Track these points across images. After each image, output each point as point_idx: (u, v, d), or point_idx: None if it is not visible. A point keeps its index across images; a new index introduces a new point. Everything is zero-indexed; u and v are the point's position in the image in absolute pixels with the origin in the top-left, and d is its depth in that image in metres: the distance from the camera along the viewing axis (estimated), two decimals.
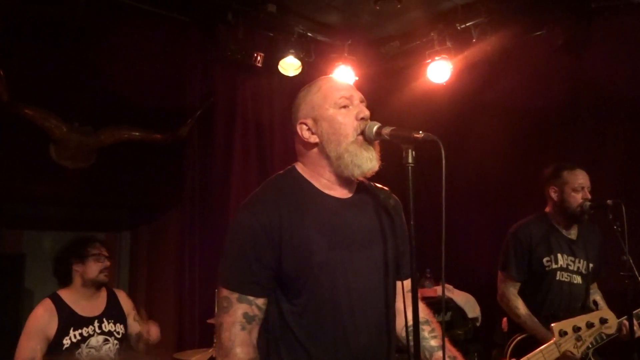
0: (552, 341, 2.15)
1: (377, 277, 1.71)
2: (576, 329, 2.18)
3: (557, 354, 2.15)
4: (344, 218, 1.69)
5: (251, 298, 1.61)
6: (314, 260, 1.60)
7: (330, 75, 1.87)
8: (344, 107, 1.71)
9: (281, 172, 1.81)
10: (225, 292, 1.63)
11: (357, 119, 1.70)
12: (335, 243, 1.64)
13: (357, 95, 1.75)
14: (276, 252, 1.60)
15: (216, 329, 1.65)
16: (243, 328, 1.59)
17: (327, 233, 1.64)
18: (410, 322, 1.60)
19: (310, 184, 1.73)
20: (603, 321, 2.23)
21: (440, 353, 1.76)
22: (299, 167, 1.78)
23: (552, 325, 2.18)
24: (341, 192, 1.74)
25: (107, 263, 3.05)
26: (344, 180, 1.74)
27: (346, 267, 1.64)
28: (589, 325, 2.21)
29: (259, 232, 1.60)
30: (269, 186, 1.75)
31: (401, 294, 1.76)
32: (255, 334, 1.62)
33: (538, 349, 2.13)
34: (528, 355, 2.11)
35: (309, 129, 1.72)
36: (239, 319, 1.59)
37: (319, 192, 1.72)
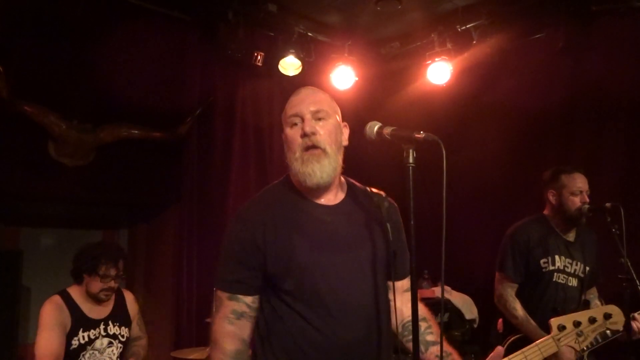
0: (550, 335, 2.11)
1: (362, 278, 1.77)
2: (576, 324, 2.11)
3: (555, 349, 2.08)
4: (328, 223, 1.78)
5: (239, 296, 1.76)
6: (294, 262, 1.70)
7: (300, 88, 1.90)
8: (294, 124, 1.79)
9: (277, 180, 1.93)
10: (218, 293, 1.79)
11: (300, 137, 1.76)
12: (316, 246, 1.73)
13: (309, 110, 1.78)
14: (261, 257, 1.73)
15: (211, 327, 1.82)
16: (231, 323, 1.74)
17: (310, 237, 1.74)
18: (409, 320, 1.64)
19: (299, 192, 1.83)
20: (607, 316, 2.15)
21: (434, 348, 1.82)
22: (291, 175, 1.85)
23: (551, 320, 2.11)
24: (327, 199, 1.83)
25: (112, 284, 2.97)
26: (322, 188, 1.79)
27: (328, 269, 1.72)
28: (592, 320, 2.13)
29: (244, 239, 1.75)
30: (261, 196, 1.89)
31: (399, 294, 1.82)
32: (246, 330, 1.76)
33: (534, 343, 2.08)
34: (523, 349, 2.07)
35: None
36: (227, 314, 1.75)
37: (305, 199, 1.82)
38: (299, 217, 1.77)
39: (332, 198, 1.83)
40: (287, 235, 1.73)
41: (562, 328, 2.09)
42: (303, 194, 1.82)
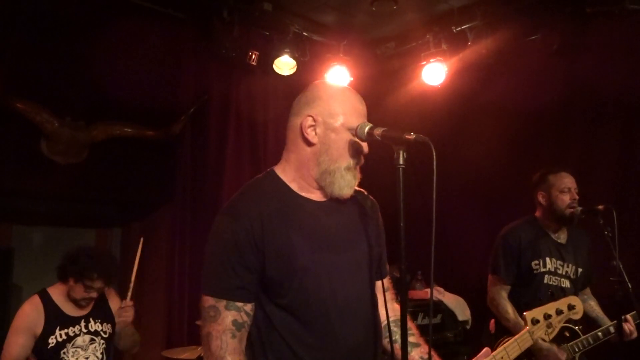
0: (525, 330, 2.18)
1: (360, 278, 1.72)
2: (547, 317, 2.22)
3: (530, 342, 2.17)
4: (323, 221, 1.70)
5: (240, 304, 1.59)
6: (297, 263, 1.60)
7: (347, 88, 1.84)
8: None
9: (260, 175, 1.81)
10: (211, 301, 1.60)
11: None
12: (317, 246, 1.65)
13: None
14: (260, 257, 1.60)
15: (203, 338, 1.61)
16: (233, 336, 1.57)
17: (309, 236, 1.65)
18: (396, 318, 1.66)
19: (289, 188, 1.73)
20: (571, 307, 2.30)
21: (414, 352, 1.81)
22: (278, 171, 1.78)
23: (525, 313, 2.22)
24: (318, 195, 1.75)
25: (94, 295, 2.95)
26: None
27: (330, 270, 1.65)
28: (559, 312, 2.26)
29: (242, 237, 1.59)
30: (248, 190, 1.74)
31: (380, 294, 1.80)
32: (244, 342, 1.61)
33: (513, 338, 2.15)
34: (504, 344, 2.12)
35: (314, 128, 1.70)
36: (229, 326, 1.57)
37: (298, 195, 1.72)
38: (293, 213, 1.66)
39: (323, 195, 1.74)
40: (285, 233, 1.61)
41: (535, 321, 2.20)
42: (293, 189, 1.72)
